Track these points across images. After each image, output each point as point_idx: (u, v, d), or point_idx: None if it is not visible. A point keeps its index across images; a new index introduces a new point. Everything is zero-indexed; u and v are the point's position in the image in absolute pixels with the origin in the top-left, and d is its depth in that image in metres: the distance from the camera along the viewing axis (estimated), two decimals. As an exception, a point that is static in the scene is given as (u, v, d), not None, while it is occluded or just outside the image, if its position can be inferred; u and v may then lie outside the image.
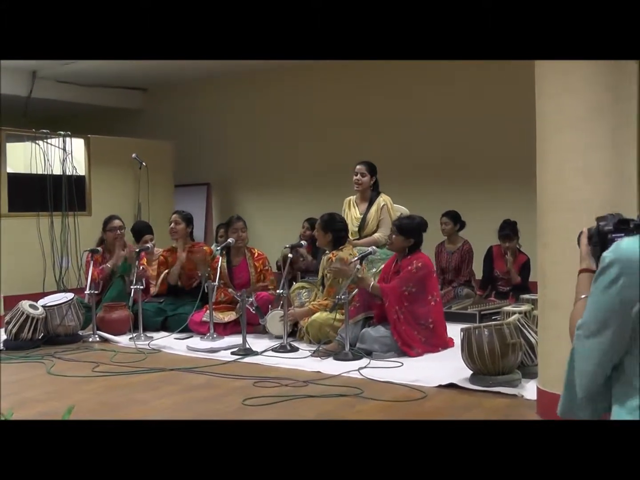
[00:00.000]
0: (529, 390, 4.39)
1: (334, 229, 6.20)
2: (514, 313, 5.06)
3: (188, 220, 7.19)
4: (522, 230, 7.57)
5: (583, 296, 2.02)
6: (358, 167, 6.90)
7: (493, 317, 6.40)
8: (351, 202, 6.99)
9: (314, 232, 6.43)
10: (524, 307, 5.40)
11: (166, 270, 7.13)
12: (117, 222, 7.28)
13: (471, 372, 4.67)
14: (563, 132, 3.81)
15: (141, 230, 7.92)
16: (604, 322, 1.84)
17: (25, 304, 6.21)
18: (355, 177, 6.87)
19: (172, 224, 7.12)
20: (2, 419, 2.13)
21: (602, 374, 1.88)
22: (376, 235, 6.68)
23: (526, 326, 4.75)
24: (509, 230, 7.56)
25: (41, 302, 6.44)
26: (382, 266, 6.43)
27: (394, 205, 6.96)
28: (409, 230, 5.75)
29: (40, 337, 6.23)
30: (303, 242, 6.63)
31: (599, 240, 2.06)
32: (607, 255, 1.85)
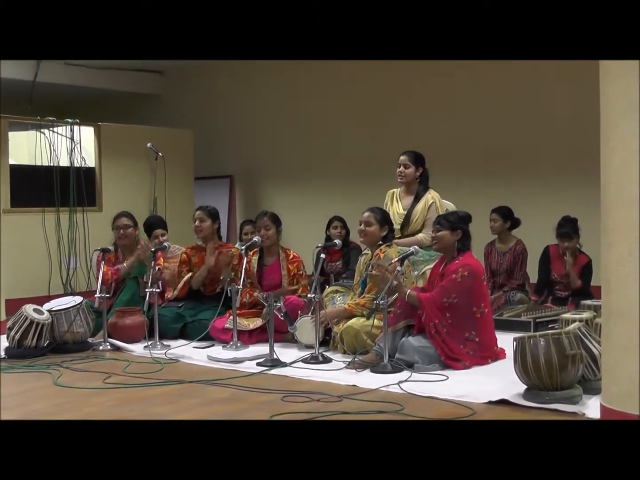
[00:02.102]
0: (591, 407, 4.35)
1: (389, 222, 6.19)
2: (573, 321, 5.01)
3: (214, 216, 7.22)
4: (584, 227, 7.51)
5: None
6: (401, 157, 6.89)
7: (550, 326, 6.37)
8: (394, 195, 6.96)
9: (363, 228, 6.27)
10: (585, 315, 5.35)
11: (189, 274, 7.15)
12: (122, 221, 7.31)
13: (525, 386, 4.64)
14: (631, 116, 3.77)
15: (152, 225, 7.96)
16: None
17: (29, 308, 6.26)
18: (398, 169, 6.86)
19: (197, 222, 7.15)
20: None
21: None
22: (420, 235, 6.65)
23: (588, 336, 4.71)
24: (568, 228, 7.50)
25: (47, 306, 6.50)
26: (425, 268, 6.41)
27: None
28: (454, 221, 5.72)
29: (45, 345, 6.29)
30: (337, 242, 6.63)
31: None
32: None
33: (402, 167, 6.84)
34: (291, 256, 6.90)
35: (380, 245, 6.17)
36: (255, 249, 6.87)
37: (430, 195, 6.80)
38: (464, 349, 5.53)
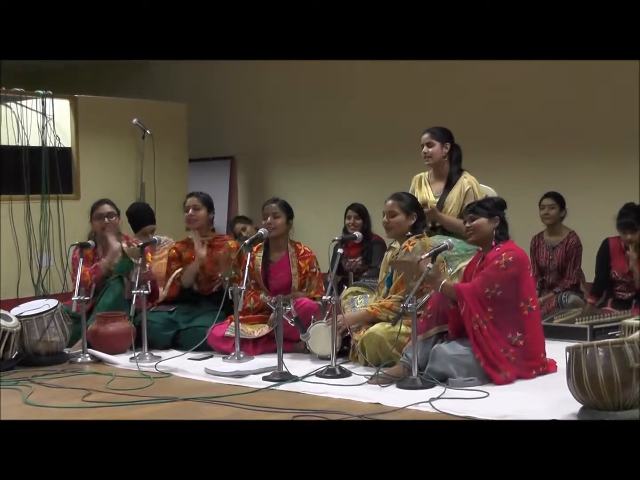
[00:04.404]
0: (659, 429, 4.35)
1: (418, 209, 6.20)
2: (638, 328, 5.01)
3: (209, 204, 7.25)
4: (650, 217, 7.49)
5: None
6: (423, 136, 6.88)
7: (610, 333, 6.37)
8: (423, 180, 6.95)
9: (386, 220, 6.29)
10: (652, 320, 5.35)
11: (179, 269, 7.17)
12: (105, 208, 7.28)
13: (580, 405, 4.63)
14: None
15: (141, 218, 7.96)
16: None
17: (-6, 314, 6.30)
18: (422, 150, 6.86)
19: (190, 210, 7.16)
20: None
21: None
22: None
23: (655, 345, 4.70)
24: (631, 217, 7.45)
25: (15, 311, 6.51)
26: (461, 265, 6.41)
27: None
28: (490, 207, 5.73)
29: (14, 357, 6.30)
30: (357, 234, 6.61)
31: None
32: None
33: (425, 147, 6.84)
34: (302, 251, 6.90)
35: (410, 236, 6.14)
36: (260, 244, 6.87)
37: (467, 180, 6.78)
38: (505, 354, 5.52)
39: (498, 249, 5.65)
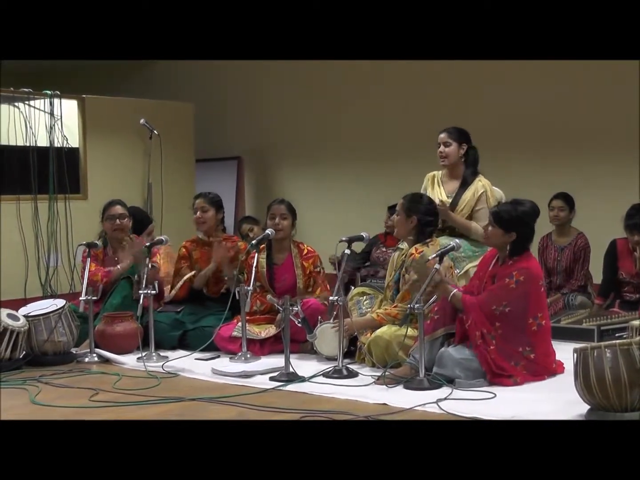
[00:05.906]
0: (667, 431, 4.34)
1: (420, 212, 6.13)
2: (646, 329, 5.00)
3: (217, 204, 7.24)
4: (658, 218, 7.46)
5: None
6: (440, 135, 6.84)
7: (617, 334, 6.35)
8: (436, 179, 6.91)
9: (393, 218, 6.29)
10: (660, 322, 5.34)
11: (192, 272, 7.17)
12: (117, 209, 7.30)
13: (588, 407, 4.63)
14: None
15: (141, 221, 7.93)
16: None
17: (2, 314, 6.26)
18: (438, 150, 6.82)
19: (198, 212, 7.16)
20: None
21: None
22: (475, 224, 6.57)
23: (663, 346, 4.69)
24: (639, 218, 7.45)
25: (23, 310, 6.53)
26: (468, 266, 6.39)
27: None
28: (510, 221, 5.58)
29: (21, 356, 6.31)
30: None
31: None
32: None
33: (442, 147, 6.80)
34: (305, 251, 6.89)
35: (415, 242, 6.11)
36: (263, 246, 6.83)
37: (481, 184, 6.73)
38: (516, 366, 5.50)
39: (511, 262, 5.60)
